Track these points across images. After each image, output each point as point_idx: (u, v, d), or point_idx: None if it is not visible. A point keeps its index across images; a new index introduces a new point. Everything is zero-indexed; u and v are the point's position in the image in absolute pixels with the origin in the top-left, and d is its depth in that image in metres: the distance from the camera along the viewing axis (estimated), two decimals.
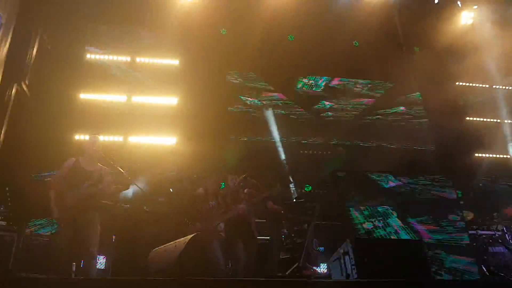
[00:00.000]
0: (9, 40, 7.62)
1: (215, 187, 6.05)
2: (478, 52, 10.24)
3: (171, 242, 4.89)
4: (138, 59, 10.07)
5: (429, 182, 7.33)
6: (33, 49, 8.66)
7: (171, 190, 7.66)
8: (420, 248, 5.15)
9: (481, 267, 6.77)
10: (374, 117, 11.35)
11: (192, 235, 4.70)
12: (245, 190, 6.20)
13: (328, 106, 11.22)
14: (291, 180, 9.23)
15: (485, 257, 7.23)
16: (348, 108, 11.29)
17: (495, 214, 8.12)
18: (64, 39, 9.47)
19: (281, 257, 7.25)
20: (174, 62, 10.22)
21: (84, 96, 9.50)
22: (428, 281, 4.78)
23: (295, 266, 6.95)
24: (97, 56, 9.96)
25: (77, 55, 9.71)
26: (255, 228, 6.01)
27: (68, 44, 9.55)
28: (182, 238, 4.80)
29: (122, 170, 5.38)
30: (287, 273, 6.92)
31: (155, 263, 4.69)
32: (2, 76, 7.42)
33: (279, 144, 10.46)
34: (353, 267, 4.76)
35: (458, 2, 10.90)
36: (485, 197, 8.76)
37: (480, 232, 7.71)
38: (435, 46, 10.53)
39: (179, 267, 4.23)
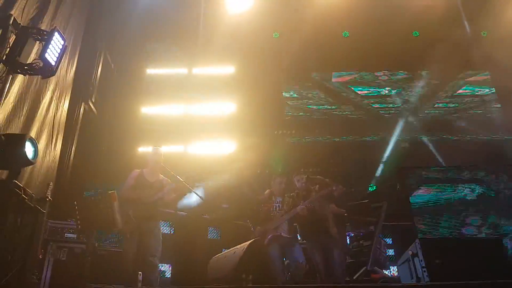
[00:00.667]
0: (75, 61, 8.15)
1: (280, 188, 5.85)
2: None
3: (231, 249, 4.86)
4: (194, 70, 10.32)
5: None
6: (98, 69, 9.20)
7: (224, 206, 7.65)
8: (498, 246, 4.69)
9: None
10: (445, 108, 10.67)
11: (250, 241, 4.64)
12: (316, 187, 5.93)
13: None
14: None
15: None
16: (411, 101, 10.73)
17: None
18: (125, 58, 10.02)
19: (347, 261, 6.98)
20: (230, 69, 10.36)
21: (146, 110, 9.92)
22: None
23: (363, 270, 6.66)
24: (156, 71, 10.38)
25: (138, 71, 10.23)
26: (332, 227, 5.70)
27: (129, 62, 10.12)
28: (241, 244, 4.76)
29: (180, 179, 5.48)
30: (354, 278, 6.64)
31: (214, 270, 4.68)
32: (71, 96, 7.96)
33: (340, 144, 10.18)
34: (423, 269, 4.47)
35: None
36: None
37: None
38: (505, 29, 9.59)
39: (238, 273, 4.19)
